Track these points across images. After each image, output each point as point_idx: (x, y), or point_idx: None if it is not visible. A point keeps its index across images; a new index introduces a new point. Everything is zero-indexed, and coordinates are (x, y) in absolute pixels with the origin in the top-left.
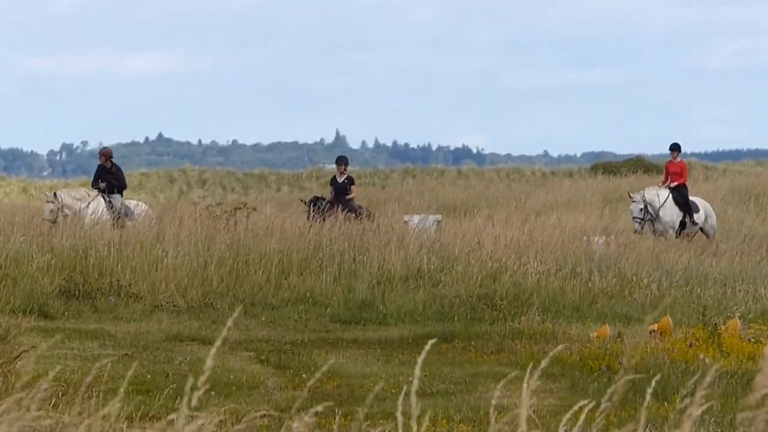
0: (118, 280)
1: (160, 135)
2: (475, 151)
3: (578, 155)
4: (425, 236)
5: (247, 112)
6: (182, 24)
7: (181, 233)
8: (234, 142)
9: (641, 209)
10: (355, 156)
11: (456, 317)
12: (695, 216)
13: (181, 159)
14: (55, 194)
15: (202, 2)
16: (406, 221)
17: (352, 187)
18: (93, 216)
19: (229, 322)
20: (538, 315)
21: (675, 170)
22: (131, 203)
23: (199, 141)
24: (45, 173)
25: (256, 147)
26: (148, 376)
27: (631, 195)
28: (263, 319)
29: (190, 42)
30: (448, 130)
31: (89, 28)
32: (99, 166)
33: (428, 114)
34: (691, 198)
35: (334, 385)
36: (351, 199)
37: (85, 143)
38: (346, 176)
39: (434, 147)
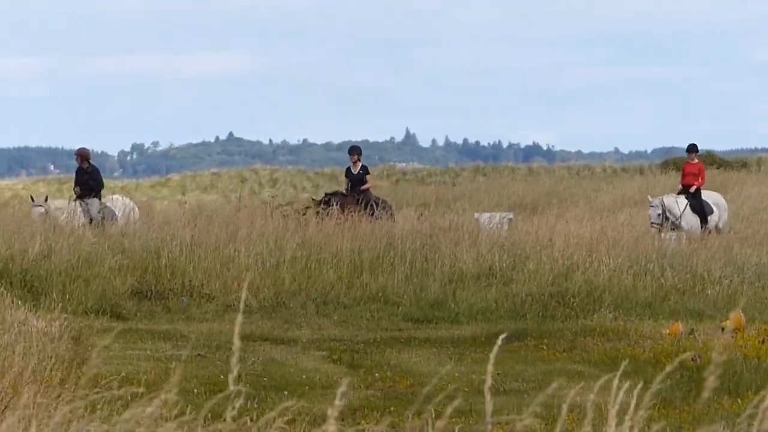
0: (190, 281)
1: (230, 135)
2: (545, 148)
3: (649, 151)
4: (497, 234)
5: (317, 111)
6: (249, 23)
7: (253, 233)
8: (304, 141)
9: (659, 214)
10: (425, 154)
11: (528, 315)
12: (709, 218)
13: (252, 158)
14: (46, 198)
15: (269, 1)
16: (476, 219)
17: (368, 176)
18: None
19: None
20: (610, 312)
21: (692, 171)
22: (117, 200)
23: (270, 140)
24: (116, 174)
25: (327, 146)
26: (221, 376)
27: (650, 199)
28: (335, 318)
29: (258, 41)
30: (518, 128)
31: (158, 28)
32: (77, 168)
33: (499, 111)
34: (704, 198)
35: (406, 384)
36: (367, 189)
37: (155, 143)
38: (360, 166)
39: (504, 144)
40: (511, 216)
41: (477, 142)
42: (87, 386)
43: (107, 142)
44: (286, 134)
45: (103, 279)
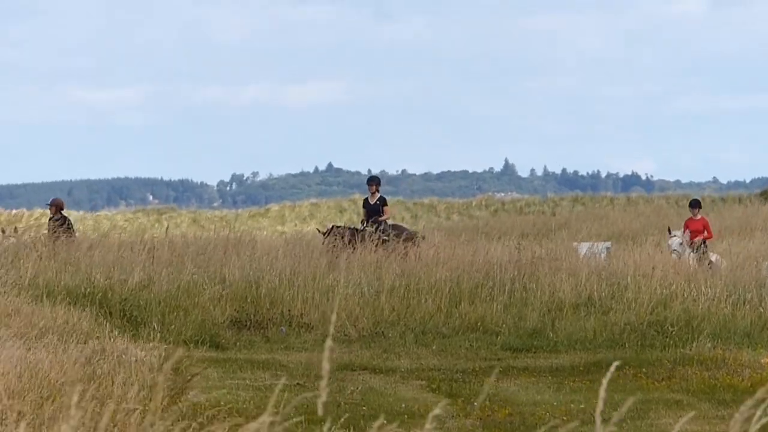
0: (289, 310)
1: (329, 165)
2: (644, 178)
3: (748, 181)
4: (595, 263)
5: (415, 141)
6: (347, 54)
7: (353, 262)
8: (403, 171)
9: (680, 243)
10: (524, 184)
11: (626, 344)
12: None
13: (350, 189)
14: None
15: (367, 32)
16: (575, 249)
17: (385, 207)
18: None
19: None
20: (709, 341)
21: (697, 228)
22: None
23: (369, 170)
24: (215, 204)
25: (426, 176)
26: None
27: (671, 230)
28: (434, 347)
29: (356, 71)
30: (617, 157)
31: (257, 59)
32: (50, 219)
33: (597, 141)
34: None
35: (505, 413)
36: (384, 221)
37: (255, 174)
38: (378, 197)
39: (603, 174)
40: (609, 245)
41: (575, 172)
42: (187, 416)
43: (206, 173)
44: (385, 164)
45: (203, 309)
